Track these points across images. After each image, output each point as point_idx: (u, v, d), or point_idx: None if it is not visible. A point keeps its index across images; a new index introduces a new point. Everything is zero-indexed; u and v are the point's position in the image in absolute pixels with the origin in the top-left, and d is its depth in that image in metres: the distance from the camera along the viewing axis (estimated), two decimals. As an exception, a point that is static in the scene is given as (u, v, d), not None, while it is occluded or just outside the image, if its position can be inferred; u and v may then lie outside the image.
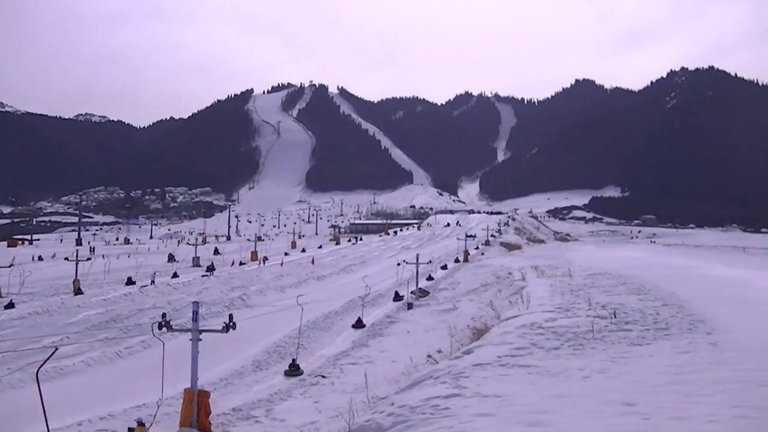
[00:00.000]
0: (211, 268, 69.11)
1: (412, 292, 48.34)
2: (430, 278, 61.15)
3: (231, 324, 19.55)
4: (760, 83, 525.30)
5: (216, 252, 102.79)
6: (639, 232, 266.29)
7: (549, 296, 30.08)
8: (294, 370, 27.59)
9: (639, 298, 27.79)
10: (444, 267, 72.83)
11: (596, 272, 43.04)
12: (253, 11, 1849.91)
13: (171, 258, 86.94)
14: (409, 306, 44.10)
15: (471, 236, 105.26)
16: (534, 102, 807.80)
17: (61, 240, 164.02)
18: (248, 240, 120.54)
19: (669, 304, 25.63)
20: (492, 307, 34.31)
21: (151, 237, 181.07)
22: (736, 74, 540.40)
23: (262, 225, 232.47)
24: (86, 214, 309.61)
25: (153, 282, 56.01)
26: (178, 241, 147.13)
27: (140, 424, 19.21)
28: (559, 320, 21.93)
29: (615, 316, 22.29)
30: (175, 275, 62.97)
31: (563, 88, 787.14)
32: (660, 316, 22.35)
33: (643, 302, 26.42)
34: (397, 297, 48.12)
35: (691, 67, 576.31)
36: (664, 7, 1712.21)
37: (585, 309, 24.60)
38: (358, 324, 38.26)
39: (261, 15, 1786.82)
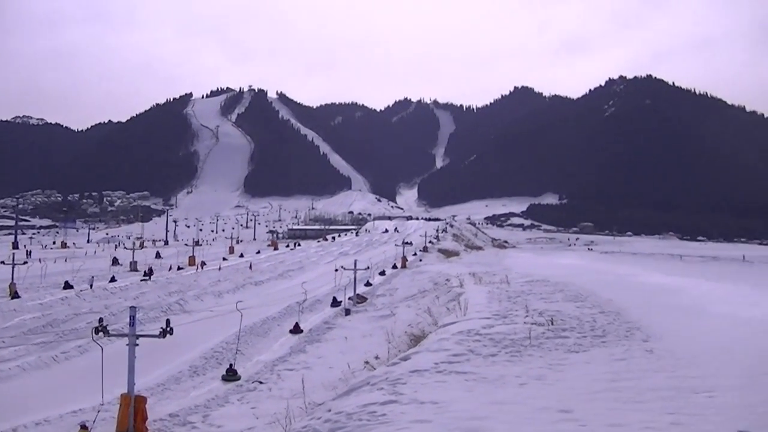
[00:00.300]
0: (149, 273, 68.68)
1: (349, 298, 48.34)
2: (368, 284, 61.16)
3: (168, 329, 19.44)
4: (697, 92, 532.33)
5: (158, 256, 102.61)
6: (577, 239, 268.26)
7: (486, 303, 30.13)
8: (231, 375, 27.47)
9: (576, 306, 27.88)
10: (382, 273, 72.92)
11: (534, 279, 43.15)
12: (192, 15, 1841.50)
13: (115, 261, 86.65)
14: (347, 312, 44.12)
15: (407, 243, 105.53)
16: (473, 109, 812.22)
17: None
18: (186, 245, 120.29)
19: (606, 311, 25.81)
20: (429, 314, 34.37)
21: (88, 241, 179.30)
22: (673, 83, 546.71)
23: (201, 230, 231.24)
24: (23, 217, 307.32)
25: (91, 286, 55.55)
26: (116, 246, 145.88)
27: (83, 427, 19.09)
28: (496, 327, 21.98)
29: (552, 323, 22.38)
30: (113, 279, 62.47)
31: (502, 95, 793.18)
32: (597, 324, 22.51)
33: (581, 309, 26.55)
34: (335, 303, 48.14)
35: (630, 76, 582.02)
36: (603, 16, 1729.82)
37: (522, 316, 24.67)
38: (296, 329, 38.18)
39: (200, 19, 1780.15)
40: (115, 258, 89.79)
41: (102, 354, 20.87)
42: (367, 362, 24.42)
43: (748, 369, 14.81)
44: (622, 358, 16.46)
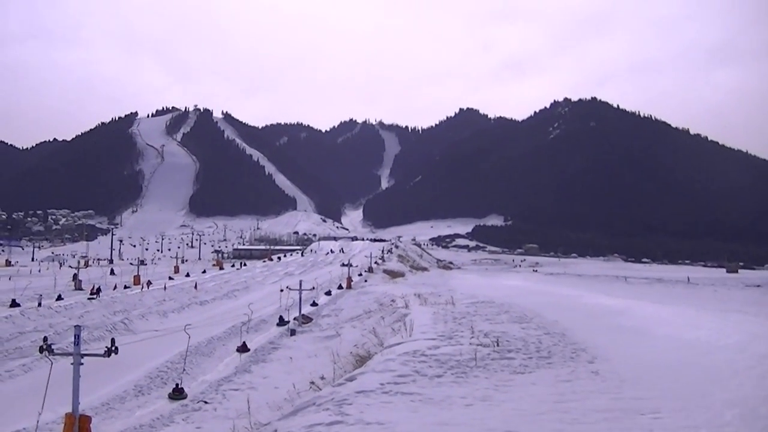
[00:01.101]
0: (97, 291, 68.18)
1: (294, 319, 48.23)
2: (314, 304, 61.01)
3: (113, 348, 19.31)
4: (642, 114, 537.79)
5: (112, 272, 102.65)
6: (523, 260, 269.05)
7: (432, 324, 30.12)
8: (178, 394, 27.35)
9: (521, 327, 27.95)
10: (328, 293, 72.76)
11: (479, 300, 43.21)
12: (136, 34, 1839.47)
13: (75, 278, 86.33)
14: (292, 332, 43.97)
15: (347, 265, 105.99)
16: (418, 130, 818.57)
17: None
18: (131, 264, 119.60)
19: (551, 332, 25.91)
20: (375, 335, 34.30)
21: (33, 259, 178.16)
22: (618, 106, 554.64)
23: (146, 249, 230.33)
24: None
25: (40, 304, 55.17)
26: (60, 264, 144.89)
27: None
28: (442, 348, 21.97)
29: (498, 345, 22.40)
30: (59, 298, 62.03)
31: (447, 117, 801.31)
32: (542, 345, 22.57)
33: (526, 331, 26.62)
34: (281, 323, 47.99)
35: (574, 98, 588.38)
36: (547, 39, 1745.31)
37: (468, 337, 24.68)
38: (243, 348, 38.06)
39: (145, 38, 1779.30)
40: (75, 275, 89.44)
41: (50, 371, 20.67)
42: (312, 383, 24.34)
43: (692, 390, 14.94)
44: (567, 380, 16.53)
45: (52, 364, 19.57)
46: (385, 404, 14.50)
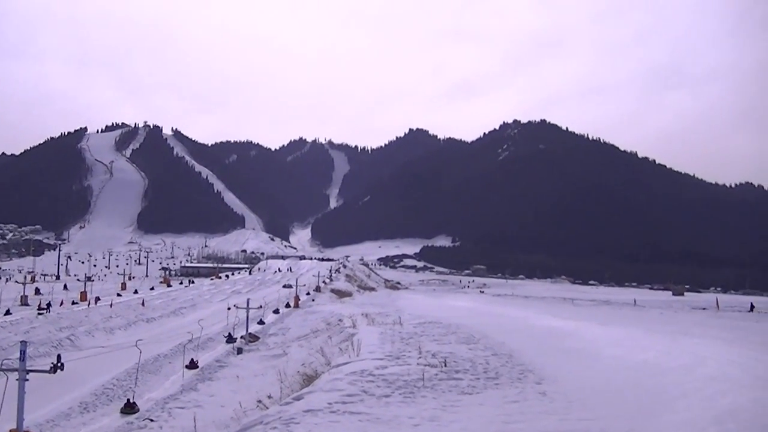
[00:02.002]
0: (47, 307, 67.84)
1: (241, 337, 48.05)
2: (261, 322, 60.87)
3: (59, 364, 19.14)
4: (590, 137, 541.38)
5: (65, 288, 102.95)
6: (471, 281, 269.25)
7: (379, 344, 30.08)
8: (129, 409, 27.23)
9: (469, 348, 27.96)
10: (276, 311, 72.68)
11: (426, 321, 43.24)
12: (86, 48, 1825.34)
13: (37, 291, 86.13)
14: (239, 351, 43.77)
15: (288, 286, 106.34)
16: (368, 150, 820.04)
17: None
18: (78, 280, 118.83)
19: (499, 353, 25.91)
20: (322, 354, 34.22)
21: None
22: (567, 128, 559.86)
23: (95, 265, 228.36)
24: None
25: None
26: (6, 279, 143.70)
27: None
28: (389, 368, 21.95)
29: (445, 365, 22.38)
30: (7, 313, 61.59)
31: (397, 137, 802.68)
32: (490, 366, 22.57)
33: (473, 351, 26.62)
34: (229, 340, 47.77)
35: (524, 120, 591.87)
36: (497, 60, 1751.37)
37: (416, 357, 24.67)
38: (191, 365, 37.86)
39: (94, 52, 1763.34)
40: (36, 288, 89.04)
41: (6, 386, 20.42)
42: (259, 401, 24.24)
43: (640, 411, 15.00)
44: (515, 400, 16.55)
45: (6, 381, 19.30)
46: (333, 423, 14.44)
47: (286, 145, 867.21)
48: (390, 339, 32.38)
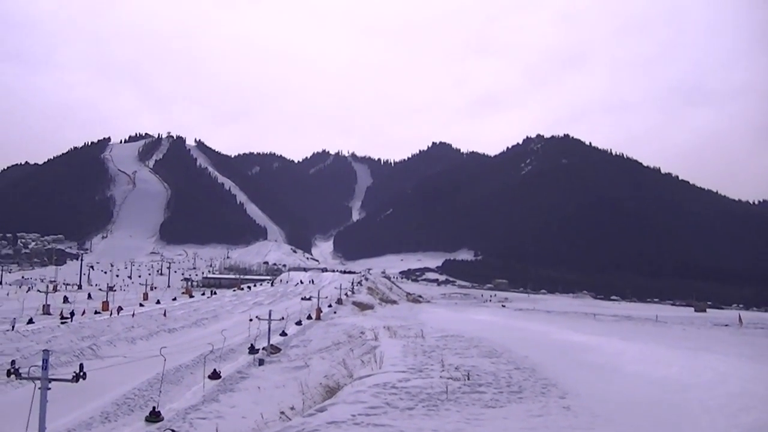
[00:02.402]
0: (71, 316, 68.11)
1: (263, 349, 48.02)
2: (283, 334, 60.84)
3: (81, 374, 19.14)
4: (613, 152, 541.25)
5: (89, 297, 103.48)
6: (493, 295, 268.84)
7: (401, 356, 30.06)
8: (155, 417, 27.33)
9: (491, 361, 27.89)
10: (298, 323, 72.61)
11: (448, 334, 43.17)
12: (110, 59, 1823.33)
13: (66, 300, 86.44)
14: (261, 362, 43.71)
15: (307, 299, 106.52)
16: (390, 163, 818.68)
17: None
18: (100, 290, 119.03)
19: (521, 367, 25.87)
20: (344, 366, 34.18)
21: (0, 283, 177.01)
22: (590, 143, 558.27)
23: (117, 275, 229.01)
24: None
25: (13, 327, 55.11)
26: (28, 288, 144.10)
27: None
28: (412, 381, 21.92)
29: (468, 378, 22.35)
30: (30, 321, 61.82)
31: (420, 150, 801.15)
32: (513, 380, 22.54)
33: (496, 365, 26.54)
34: (252, 351, 47.75)
35: (547, 135, 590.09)
36: (519, 74, 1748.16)
37: (438, 370, 24.64)
38: (215, 375, 37.90)
39: (118, 63, 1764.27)
40: (65, 297, 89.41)
41: (32, 396, 20.45)
42: (282, 412, 24.20)
43: (665, 427, 14.98)
44: (539, 414, 16.51)
45: (35, 389, 19.33)
46: (357, 436, 14.41)
47: (309, 157, 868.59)
48: (412, 352, 32.35)
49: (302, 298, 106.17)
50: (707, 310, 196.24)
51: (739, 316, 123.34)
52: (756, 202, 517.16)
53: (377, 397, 18.63)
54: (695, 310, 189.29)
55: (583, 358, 30.53)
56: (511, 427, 15.12)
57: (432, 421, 15.75)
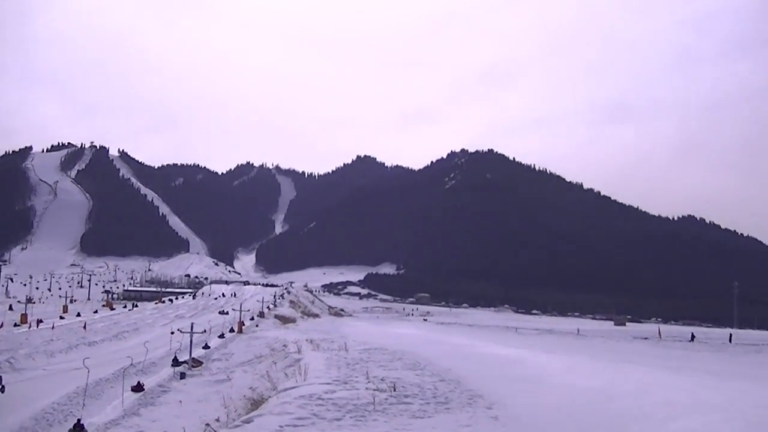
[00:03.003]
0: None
1: (184, 362, 47.61)
2: (206, 347, 60.41)
3: (0, 387, 18.85)
4: (537, 168, 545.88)
5: (11, 308, 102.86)
6: (416, 309, 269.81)
7: (326, 369, 29.97)
8: (78, 430, 26.86)
9: (416, 373, 27.97)
10: (221, 336, 72.25)
11: (371, 347, 43.28)
12: (32, 66, 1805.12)
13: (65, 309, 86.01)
14: (182, 376, 43.33)
15: (224, 313, 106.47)
16: (315, 176, 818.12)
17: None
18: (19, 302, 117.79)
19: (446, 379, 25.97)
20: (268, 379, 34.02)
21: None
22: (514, 158, 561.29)
23: (37, 287, 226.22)
24: None
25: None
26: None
27: None
28: (338, 392, 21.82)
29: (395, 390, 22.34)
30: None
31: (344, 164, 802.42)
32: (439, 391, 22.61)
33: (421, 377, 26.62)
34: (175, 364, 47.34)
35: (471, 149, 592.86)
36: (446, 90, 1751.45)
37: (363, 382, 24.57)
38: (138, 387, 37.47)
39: (41, 70, 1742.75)
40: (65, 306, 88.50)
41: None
42: (208, 425, 23.95)
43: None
44: (468, 424, 16.57)
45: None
46: (286, 446, 14.28)
47: (232, 169, 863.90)
48: (336, 364, 32.26)
49: (219, 312, 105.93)
50: (627, 324, 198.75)
51: (659, 329, 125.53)
52: (675, 218, 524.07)
53: (304, 409, 18.52)
54: (615, 324, 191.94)
55: (508, 370, 30.76)
56: (441, 437, 15.12)
57: (360, 431, 15.66)
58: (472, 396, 21.33)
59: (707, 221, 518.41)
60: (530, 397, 21.26)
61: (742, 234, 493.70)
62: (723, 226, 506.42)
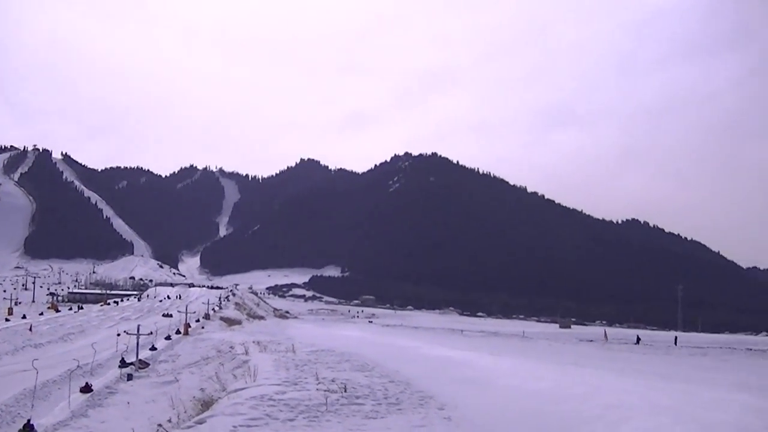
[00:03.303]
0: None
1: (131, 363, 47.45)
2: (153, 348, 60.22)
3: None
4: (481, 171, 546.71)
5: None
6: (361, 311, 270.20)
7: (274, 370, 30.08)
8: (28, 430, 26.76)
9: (365, 375, 28.22)
10: (168, 338, 72.06)
11: (319, 349, 43.65)
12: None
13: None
14: (129, 377, 43.21)
15: (168, 315, 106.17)
16: (259, 179, 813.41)
17: None
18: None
19: (395, 381, 26.25)
20: (217, 380, 34.04)
21: None
22: (458, 162, 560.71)
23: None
24: None
25: None
26: None
27: None
28: (289, 393, 21.92)
29: (345, 391, 22.49)
30: None
31: (288, 167, 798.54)
32: (389, 392, 22.86)
33: (370, 378, 26.86)
34: (122, 365, 47.19)
35: (415, 153, 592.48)
36: (391, 94, 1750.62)
37: (313, 383, 24.73)
38: (86, 389, 37.32)
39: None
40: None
41: None
42: (160, 425, 23.92)
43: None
44: (421, 425, 16.77)
45: None
46: (242, 446, 14.36)
47: (176, 172, 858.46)
48: (284, 366, 32.39)
49: (163, 315, 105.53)
50: (572, 326, 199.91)
51: (605, 331, 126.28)
52: (620, 222, 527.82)
53: (256, 409, 18.61)
54: (560, 327, 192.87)
55: (456, 372, 31.00)
56: (396, 437, 15.26)
57: None
58: (423, 397, 21.54)
59: (651, 225, 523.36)
60: (480, 399, 21.49)
61: (686, 238, 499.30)
62: (667, 230, 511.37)
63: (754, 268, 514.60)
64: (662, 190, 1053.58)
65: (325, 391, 22.24)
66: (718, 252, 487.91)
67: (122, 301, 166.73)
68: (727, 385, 31.98)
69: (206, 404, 25.63)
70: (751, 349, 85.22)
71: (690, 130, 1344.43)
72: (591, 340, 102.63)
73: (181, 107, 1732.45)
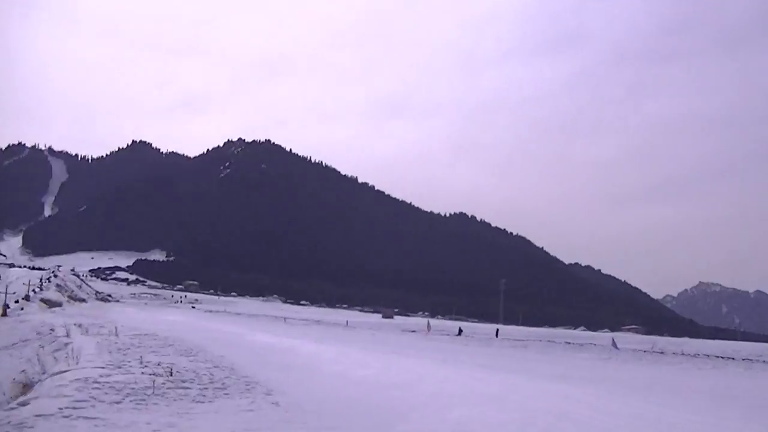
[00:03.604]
0: None
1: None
2: (-32, 331, 58.99)
3: None
4: (313, 160, 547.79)
5: None
6: (184, 296, 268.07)
7: (97, 353, 29.67)
8: None
9: (189, 360, 28.27)
10: (-15, 319, 70.58)
11: (142, 333, 43.58)
12: None
13: None
14: (-61, 360, 42.20)
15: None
16: (88, 159, 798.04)
17: None
18: None
19: (220, 366, 26.29)
20: (38, 362, 33.43)
21: None
22: (290, 149, 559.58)
23: None
24: None
25: None
26: None
27: None
28: (114, 376, 21.64)
29: (171, 374, 22.38)
30: None
31: (119, 148, 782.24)
32: (215, 377, 22.83)
33: (194, 363, 26.85)
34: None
35: (249, 139, 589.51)
36: (226, 78, 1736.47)
37: (138, 366, 24.50)
38: None
39: None
40: None
41: None
42: (-22, 407, 23.39)
43: (376, 421, 15.50)
44: (250, 409, 16.78)
45: None
46: (70, 428, 14.13)
47: (3, 149, 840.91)
48: (107, 349, 32.03)
49: (6, 290, 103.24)
50: (394, 316, 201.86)
51: (428, 322, 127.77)
52: (447, 215, 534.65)
53: (81, 392, 18.29)
54: (383, 317, 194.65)
55: (281, 358, 31.29)
56: (226, 421, 15.30)
57: (143, 415, 15.65)
58: (249, 383, 21.64)
59: (478, 219, 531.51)
60: (308, 385, 21.64)
61: (512, 233, 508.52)
62: (493, 225, 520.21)
63: (576, 264, 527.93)
64: (490, 185, 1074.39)
65: (151, 374, 22.06)
66: (542, 248, 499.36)
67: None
68: (547, 376, 32.76)
69: (27, 387, 25.13)
70: (569, 343, 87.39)
71: (523, 127, 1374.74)
72: (414, 331, 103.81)
73: (10, 82, 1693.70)
